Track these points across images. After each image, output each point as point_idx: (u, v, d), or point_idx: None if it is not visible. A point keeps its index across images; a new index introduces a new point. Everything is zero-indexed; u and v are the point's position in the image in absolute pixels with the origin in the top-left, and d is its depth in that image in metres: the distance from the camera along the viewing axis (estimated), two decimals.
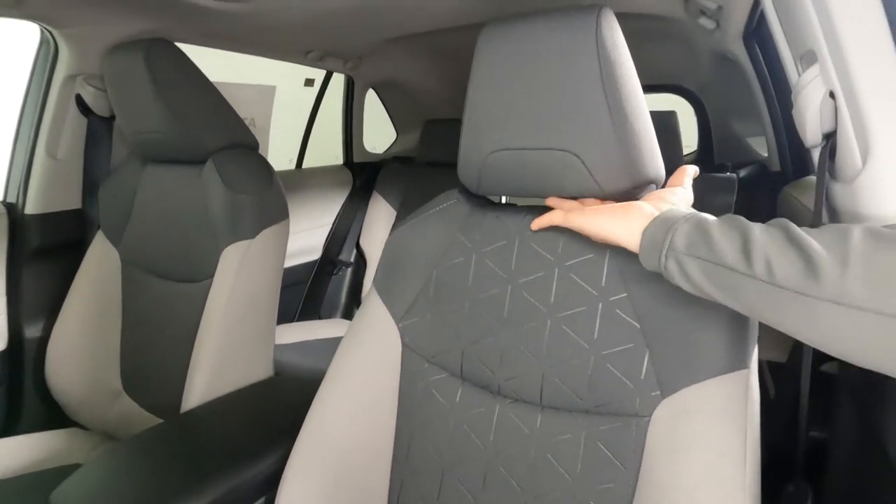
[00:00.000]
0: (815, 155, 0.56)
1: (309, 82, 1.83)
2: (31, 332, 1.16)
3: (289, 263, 1.83)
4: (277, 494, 0.68)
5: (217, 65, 1.44)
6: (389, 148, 2.42)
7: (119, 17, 1.06)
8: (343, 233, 2.04)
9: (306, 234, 1.92)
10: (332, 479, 0.68)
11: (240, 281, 0.93)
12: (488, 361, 0.67)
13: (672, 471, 0.53)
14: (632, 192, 0.60)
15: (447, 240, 0.73)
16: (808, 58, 0.55)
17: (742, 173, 1.74)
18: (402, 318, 0.74)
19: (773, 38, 0.71)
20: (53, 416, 1.13)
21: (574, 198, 0.63)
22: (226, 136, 1.01)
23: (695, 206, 0.61)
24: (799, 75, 0.58)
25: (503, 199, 0.77)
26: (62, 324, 1.12)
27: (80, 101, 1.15)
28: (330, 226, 2.00)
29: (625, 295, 0.60)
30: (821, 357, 0.56)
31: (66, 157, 1.18)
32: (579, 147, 0.57)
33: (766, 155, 1.76)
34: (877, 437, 0.47)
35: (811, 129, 0.51)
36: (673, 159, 1.69)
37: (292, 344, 1.44)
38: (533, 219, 0.65)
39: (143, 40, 0.94)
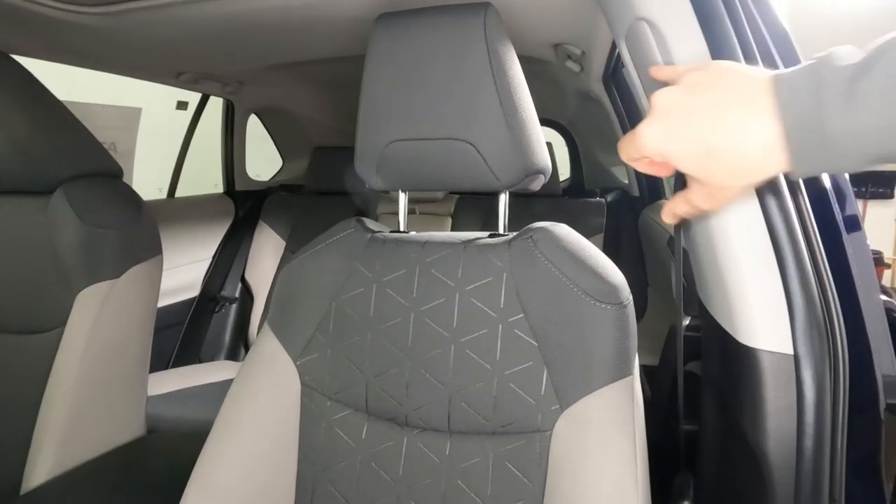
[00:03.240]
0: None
1: (182, 105, 1.69)
2: None
3: (161, 303, 1.64)
4: None
5: (77, 81, 1.27)
6: (275, 175, 2.31)
7: None
8: (225, 266, 1.88)
9: (181, 269, 1.73)
10: None
11: (100, 327, 0.80)
12: (394, 393, 0.66)
13: (573, 481, 0.56)
14: (524, 182, 0.64)
15: (346, 271, 0.70)
16: None
17: (609, 198, 1.95)
18: (300, 356, 0.69)
19: (628, 79, 0.81)
20: None
21: (475, 192, 0.66)
22: (80, 163, 0.88)
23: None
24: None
25: (401, 228, 0.77)
26: None
27: None
28: (210, 259, 1.84)
29: (522, 315, 0.63)
30: (685, 358, 0.64)
31: None
32: (474, 136, 0.60)
33: (626, 182, 2.00)
34: (736, 424, 0.54)
35: None
36: (552, 185, 1.85)
37: (168, 394, 1.27)
38: (434, 247, 0.67)
39: None
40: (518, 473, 0.60)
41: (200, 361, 1.77)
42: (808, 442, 0.41)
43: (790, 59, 0.47)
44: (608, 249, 1.78)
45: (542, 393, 0.60)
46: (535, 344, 0.61)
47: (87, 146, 0.91)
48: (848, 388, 0.41)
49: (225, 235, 1.88)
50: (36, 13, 0.88)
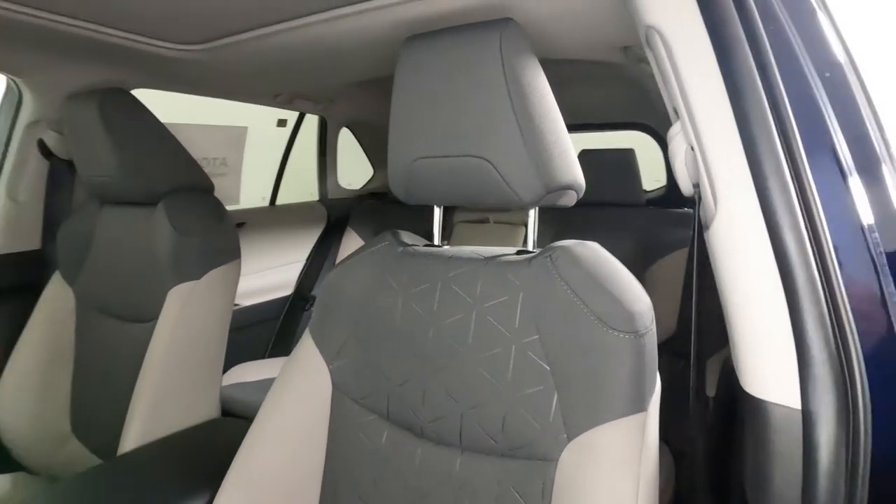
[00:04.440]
0: None
1: (282, 123, 1.88)
2: None
3: (261, 299, 1.84)
4: None
5: (195, 102, 1.49)
6: (367, 184, 2.46)
7: (79, 67, 1.10)
8: (317, 268, 2.05)
9: (280, 269, 1.93)
10: None
11: (183, 322, 0.93)
12: (412, 403, 0.67)
13: None
14: (548, 198, 0.62)
15: (377, 282, 0.74)
16: (675, 112, 0.58)
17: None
18: (333, 360, 0.74)
19: None
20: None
21: (496, 208, 0.66)
22: (177, 180, 1.03)
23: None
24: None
25: (436, 241, 0.79)
26: (13, 366, 1.12)
27: (42, 145, 1.18)
28: (304, 261, 2.02)
29: (536, 337, 0.61)
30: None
31: (27, 200, 1.21)
32: (490, 153, 0.60)
33: None
34: (737, 480, 0.47)
35: (682, 179, 0.54)
36: (632, 193, 1.73)
37: (253, 382, 1.43)
38: (457, 262, 0.68)
39: (99, 90, 0.98)
40: (522, 501, 0.58)
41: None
42: None
43: (825, 62, 0.40)
44: (693, 267, 1.61)
45: (551, 420, 0.58)
46: (548, 368, 0.59)
47: (185, 165, 1.06)
48: (870, 454, 0.34)
49: (318, 239, 2.05)
50: (151, 54, 1.05)
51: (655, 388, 0.55)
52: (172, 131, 1.11)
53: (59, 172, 1.22)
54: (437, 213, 0.77)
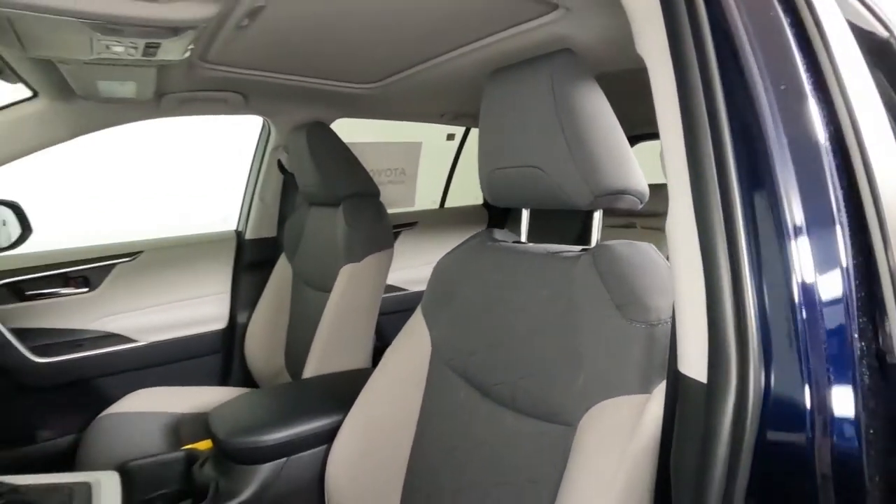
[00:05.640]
0: None
1: (450, 137, 2.19)
2: (241, 317, 1.71)
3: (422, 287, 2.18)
4: (333, 444, 0.95)
5: (386, 125, 1.90)
6: None
7: (300, 107, 1.55)
8: None
9: None
10: (367, 439, 0.93)
11: (347, 293, 1.26)
12: (482, 369, 0.84)
13: (578, 475, 0.62)
14: (603, 201, 0.72)
15: (468, 268, 0.92)
16: None
17: None
18: (433, 328, 0.95)
19: None
20: (246, 376, 1.64)
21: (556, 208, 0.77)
22: (352, 187, 1.38)
23: None
24: None
25: (522, 238, 0.93)
26: (257, 314, 1.63)
27: (279, 163, 1.68)
28: None
29: (575, 323, 0.71)
30: None
31: (271, 202, 1.74)
32: (542, 162, 0.73)
33: None
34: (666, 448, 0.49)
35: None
36: None
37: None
38: (527, 256, 0.81)
39: (307, 124, 1.39)
40: (550, 458, 0.69)
41: None
42: (702, 480, 0.39)
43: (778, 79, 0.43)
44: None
45: (577, 393, 0.68)
46: (581, 351, 0.69)
47: (360, 176, 1.41)
48: (757, 426, 0.38)
49: None
50: (345, 93, 1.43)
51: (664, 376, 0.60)
52: (357, 149, 1.47)
53: (289, 182, 1.72)
54: (525, 214, 0.90)
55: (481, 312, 0.87)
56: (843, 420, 0.38)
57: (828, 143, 0.42)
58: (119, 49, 0.83)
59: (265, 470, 0.93)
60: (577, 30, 0.82)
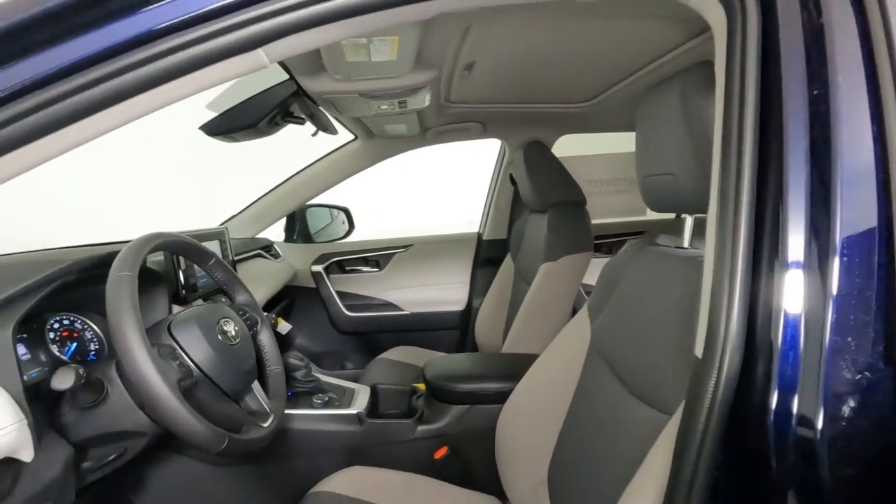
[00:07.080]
0: None
1: None
2: (475, 303, 2.10)
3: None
4: (505, 404, 1.19)
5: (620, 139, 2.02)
6: None
7: (525, 129, 1.82)
8: None
9: None
10: (530, 408, 1.12)
11: (544, 286, 1.46)
12: (620, 357, 0.93)
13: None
14: None
15: (626, 269, 1.02)
16: None
17: None
18: (594, 321, 1.08)
19: None
20: (474, 350, 2.01)
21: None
22: (559, 196, 1.56)
23: None
24: None
25: (684, 244, 0.96)
26: (486, 301, 1.99)
27: (510, 176, 1.99)
28: None
29: (682, 321, 0.76)
30: None
31: (503, 208, 2.07)
32: (675, 169, 0.81)
33: None
34: None
35: None
36: None
37: None
38: (664, 258, 0.88)
39: (525, 143, 1.64)
40: (650, 442, 0.75)
41: None
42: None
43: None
44: None
45: (677, 386, 0.72)
46: (683, 346, 0.73)
47: (567, 185, 1.58)
48: (733, 389, 0.43)
49: None
50: (563, 112, 1.63)
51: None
52: (571, 162, 1.65)
53: (517, 193, 2.01)
54: (689, 220, 0.94)
55: (630, 308, 0.95)
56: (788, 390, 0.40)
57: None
58: (385, 107, 1.28)
59: (454, 410, 1.24)
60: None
